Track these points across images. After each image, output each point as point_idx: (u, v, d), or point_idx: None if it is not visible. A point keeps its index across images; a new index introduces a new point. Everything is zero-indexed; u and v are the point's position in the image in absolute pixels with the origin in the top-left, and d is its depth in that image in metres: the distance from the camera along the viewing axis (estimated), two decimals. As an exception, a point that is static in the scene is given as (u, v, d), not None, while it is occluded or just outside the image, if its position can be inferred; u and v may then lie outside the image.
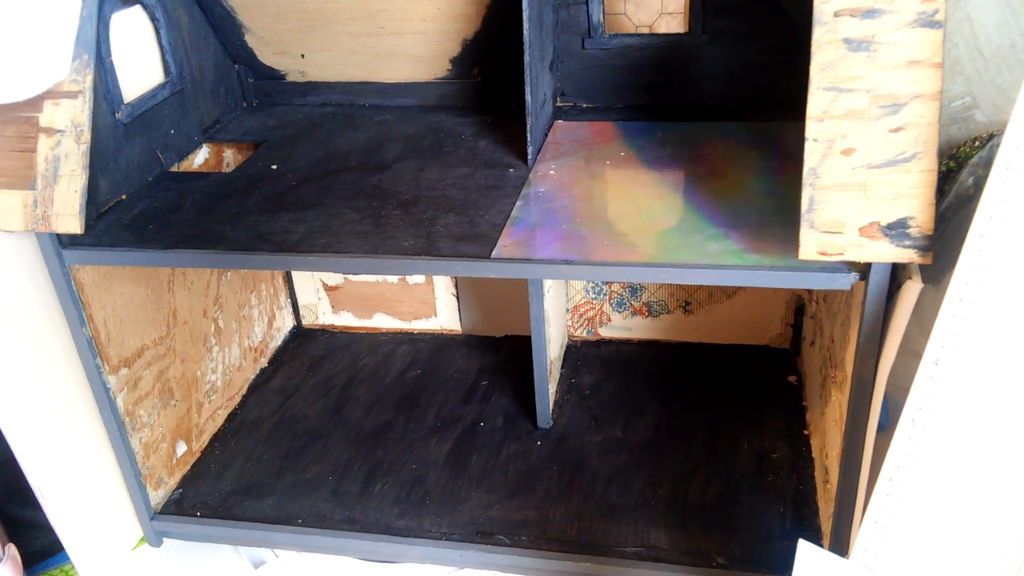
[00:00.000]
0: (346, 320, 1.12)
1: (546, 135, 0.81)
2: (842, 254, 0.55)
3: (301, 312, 1.13)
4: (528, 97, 0.74)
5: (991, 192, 0.49)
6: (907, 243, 0.53)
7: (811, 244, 0.55)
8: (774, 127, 0.79)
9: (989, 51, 0.64)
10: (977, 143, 0.67)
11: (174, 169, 0.82)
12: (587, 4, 0.81)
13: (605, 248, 0.61)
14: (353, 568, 0.82)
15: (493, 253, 0.62)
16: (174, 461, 0.87)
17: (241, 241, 0.67)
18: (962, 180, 0.64)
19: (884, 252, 0.54)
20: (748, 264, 0.58)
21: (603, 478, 0.83)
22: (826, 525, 0.73)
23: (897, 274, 0.58)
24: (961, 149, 0.68)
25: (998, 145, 0.49)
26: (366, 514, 0.81)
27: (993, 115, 0.66)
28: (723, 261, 0.59)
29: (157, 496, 0.84)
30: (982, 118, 0.66)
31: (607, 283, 1.00)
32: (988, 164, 0.50)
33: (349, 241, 0.65)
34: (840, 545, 0.68)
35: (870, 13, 0.51)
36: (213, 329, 0.93)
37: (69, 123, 0.65)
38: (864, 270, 0.56)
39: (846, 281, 0.57)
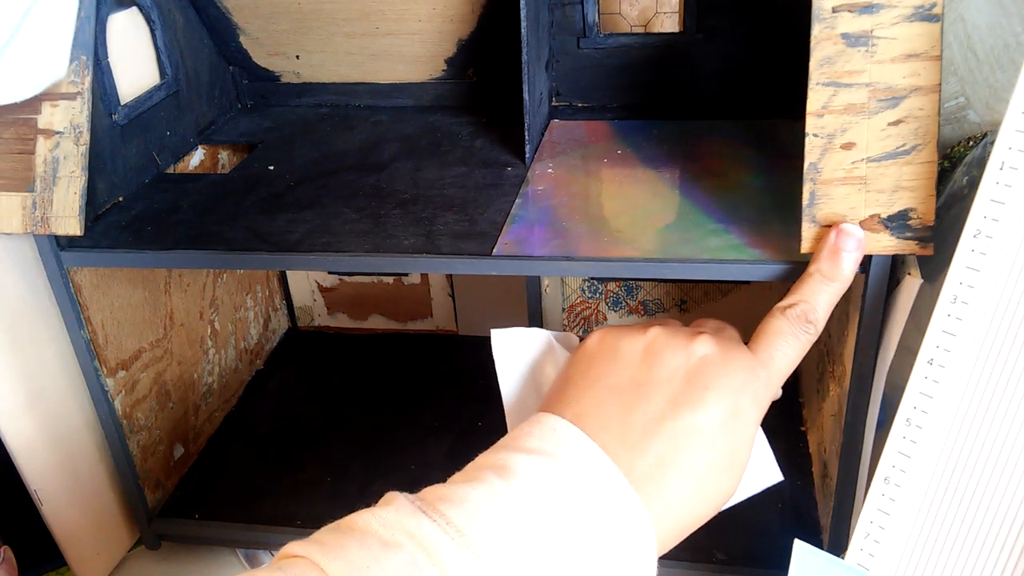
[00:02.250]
0: (342, 321, 1.12)
1: (542, 134, 0.81)
2: (843, 248, 0.55)
3: (296, 314, 1.13)
4: (526, 96, 0.74)
5: (985, 191, 0.49)
6: (908, 235, 0.54)
7: (812, 238, 0.55)
8: (769, 124, 0.79)
9: (982, 51, 0.65)
10: (971, 142, 0.68)
11: (170, 171, 0.81)
12: (583, 4, 0.81)
13: (606, 244, 0.62)
14: (353, 569, 0.82)
15: (494, 250, 0.62)
16: (171, 464, 0.86)
17: (240, 241, 0.67)
18: (956, 179, 0.64)
19: (885, 244, 0.54)
20: (751, 258, 0.58)
21: (602, 476, 0.83)
22: (825, 520, 0.73)
23: (896, 269, 0.58)
24: (955, 149, 0.68)
25: (992, 144, 0.49)
26: (365, 515, 0.81)
27: (986, 115, 0.67)
28: (725, 256, 0.59)
29: (155, 498, 0.84)
30: (975, 118, 0.67)
31: (603, 282, 1.00)
32: (982, 163, 0.51)
33: (349, 240, 0.65)
34: (839, 541, 0.68)
35: (868, 8, 0.52)
36: (209, 331, 0.93)
37: (68, 124, 0.65)
38: (864, 263, 0.57)
39: (846, 275, 0.57)
